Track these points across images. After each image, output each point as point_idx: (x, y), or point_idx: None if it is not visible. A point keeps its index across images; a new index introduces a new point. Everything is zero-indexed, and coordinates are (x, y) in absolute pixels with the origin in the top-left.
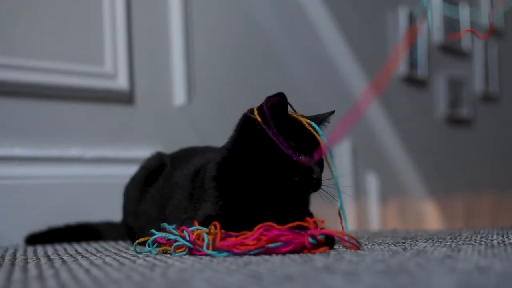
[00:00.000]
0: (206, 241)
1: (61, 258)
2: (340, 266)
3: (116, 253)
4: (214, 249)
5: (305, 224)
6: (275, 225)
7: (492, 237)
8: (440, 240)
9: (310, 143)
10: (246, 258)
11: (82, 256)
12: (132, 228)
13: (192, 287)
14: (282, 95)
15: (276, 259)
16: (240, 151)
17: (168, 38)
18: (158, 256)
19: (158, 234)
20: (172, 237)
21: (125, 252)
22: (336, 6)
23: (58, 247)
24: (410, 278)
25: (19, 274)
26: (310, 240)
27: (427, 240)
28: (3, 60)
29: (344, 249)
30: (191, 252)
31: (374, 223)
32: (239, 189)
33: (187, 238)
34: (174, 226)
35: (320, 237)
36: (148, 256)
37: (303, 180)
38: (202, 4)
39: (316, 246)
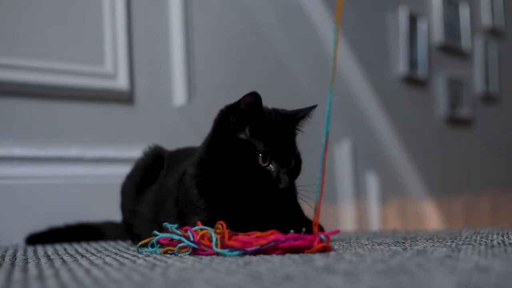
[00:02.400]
0: (214, 240)
1: (61, 258)
2: (340, 266)
3: (116, 253)
4: (223, 247)
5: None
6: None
7: (492, 237)
8: (440, 240)
9: (285, 147)
10: (246, 258)
11: (82, 256)
12: (131, 226)
13: (192, 287)
14: (256, 94)
15: (276, 259)
16: (217, 150)
17: (168, 38)
18: (158, 256)
19: (161, 235)
20: (176, 237)
21: (125, 252)
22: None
23: (58, 247)
24: (410, 278)
25: (19, 274)
26: (322, 237)
27: (427, 240)
28: (3, 60)
29: (344, 249)
30: (196, 252)
31: (374, 223)
32: (219, 188)
33: (191, 239)
34: (176, 225)
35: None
36: (148, 256)
37: (268, 190)
38: (202, 4)
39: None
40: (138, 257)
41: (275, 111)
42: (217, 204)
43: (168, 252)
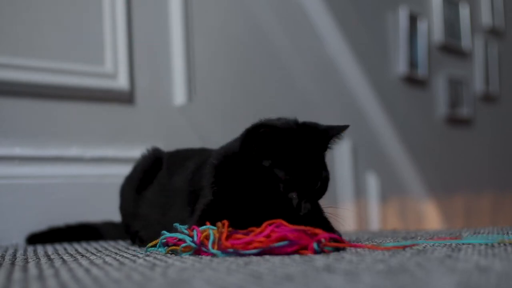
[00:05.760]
0: (211, 239)
1: (61, 257)
2: (340, 266)
3: (116, 253)
4: (219, 248)
5: (316, 231)
6: (285, 223)
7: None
8: (440, 240)
9: (309, 171)
10: (246, 257)
11: (82, 255)
12: (130, 227)
13: (192, 286)
14: (273, 127)
15: (276, 259)
16: (238, 166)
17: (168, 38)
18: (158, 256)
19: (168, 234)
20: (181, 236)
21: (125, 252)
22: (337, 6)
23: (58, 246)
24: (410, 278)
25: (19, 274)
26: (315, 246)
27: (427, 240)
28: (3, 60)
29: (344, 249)
30: (198, 252)
31: (374, 223)
32: (235, 193)
33: (195, 238)
34: (186, 226)
35: (327, 248)
36: (148, 255)
37: (289, 217)
38: (202, 4)
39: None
40: (138, 257)
41: (305, 127)
42: (233, 209)
43: (171, 251)
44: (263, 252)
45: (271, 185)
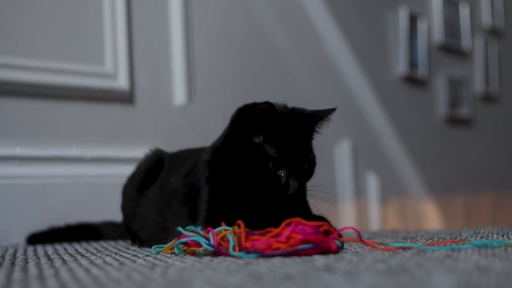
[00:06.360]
0: (232, 242)
1: (61, 257)
2: (340, 266)
3: (116, 253)
4: (240, 250)
5: (331, 229)
6: (303, 221)
7: (492, 237)
8: (440, 240)
9: (298, 152)
10: (246, 258)
11: (82, 255)
12: (130, 226)
13: (192, 286)
14: (270, 103)
15: (276, 258)
16: (229, 149)
17: (168, 38)
18: (158, 256)
19: (188, 235)
20: (197, 238)
21: (125, 252)
22: (337, 6)
23: (58, 246)
24: (410, 278)
25: (19, 274)
26: (337, 243)
27: (427, 240)
28: (3, 60)
29: (345, 249)
30: (217, 254)
31: (374, 223)
32: (230, 186)
33: (211, 241)
34: (200, 227)
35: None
36: (148, 255)
37: (276, 195)
38: (202, 4)
39: (341, 248)
40: (138, 257)
41: (294, 111)
42: (226, 200)
43: (193, 252)
44: (286, 253)
45: (261, 164)
